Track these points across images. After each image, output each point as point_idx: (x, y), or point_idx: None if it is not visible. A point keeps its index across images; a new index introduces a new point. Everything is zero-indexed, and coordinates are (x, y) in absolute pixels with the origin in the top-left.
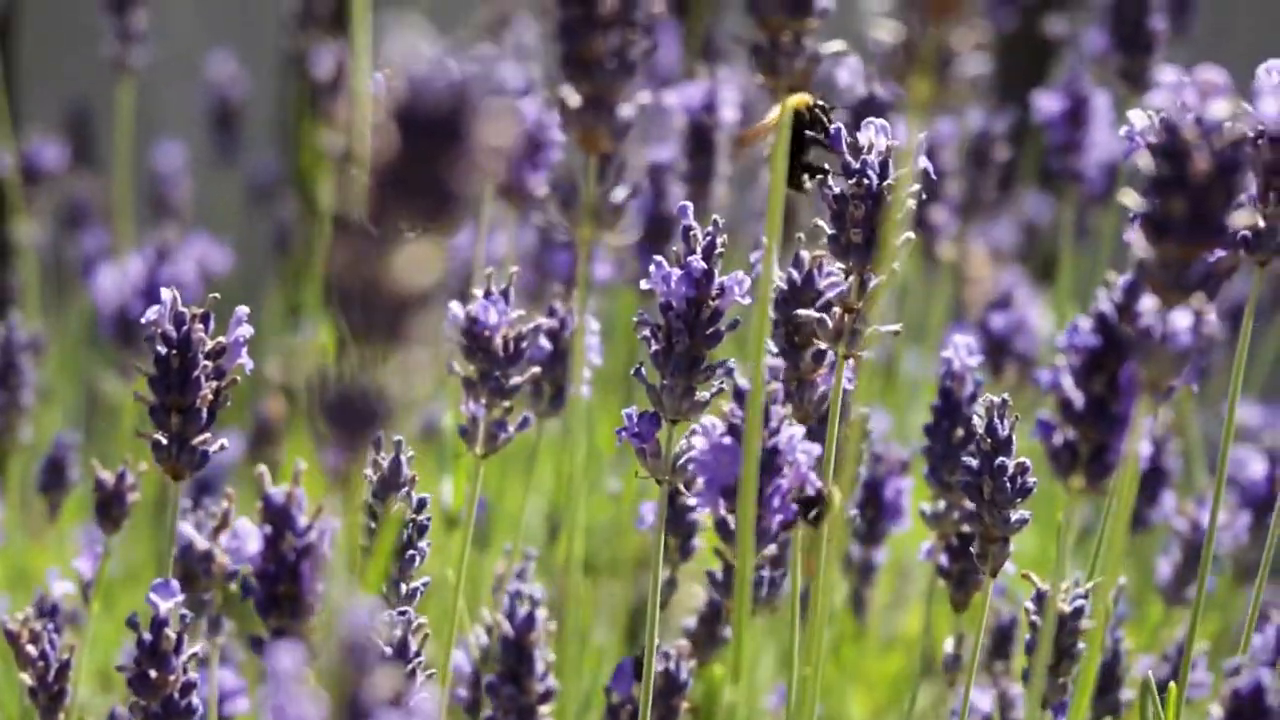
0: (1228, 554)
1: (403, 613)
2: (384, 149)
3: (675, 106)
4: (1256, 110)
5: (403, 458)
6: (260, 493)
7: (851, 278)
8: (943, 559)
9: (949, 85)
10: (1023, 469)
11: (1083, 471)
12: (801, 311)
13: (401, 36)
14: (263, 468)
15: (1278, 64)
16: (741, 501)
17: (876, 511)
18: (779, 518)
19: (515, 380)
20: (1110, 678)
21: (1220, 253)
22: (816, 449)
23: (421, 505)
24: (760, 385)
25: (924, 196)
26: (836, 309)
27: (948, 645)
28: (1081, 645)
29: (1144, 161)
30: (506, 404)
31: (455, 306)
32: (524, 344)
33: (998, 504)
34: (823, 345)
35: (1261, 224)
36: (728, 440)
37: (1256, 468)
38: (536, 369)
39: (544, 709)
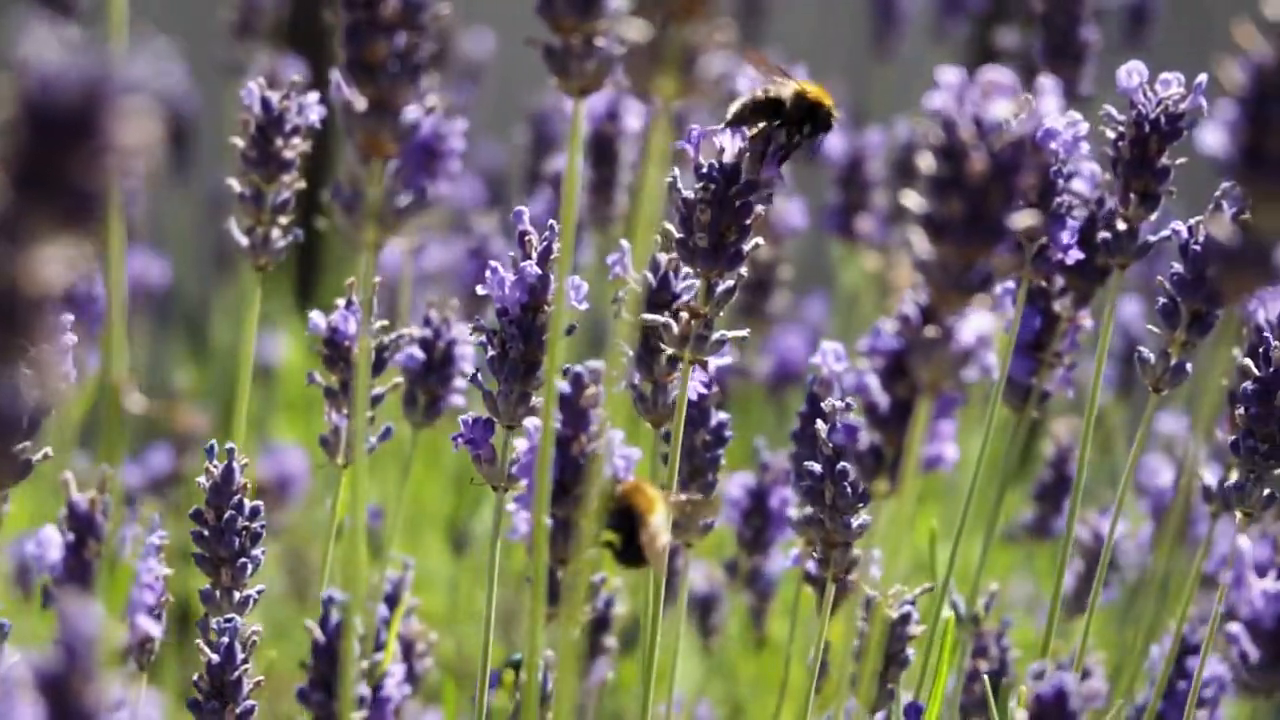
0: (1131, 564)
1: (229, 620)
2: (14, 148)
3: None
4: (1037, 110)
5: (235, 465)
6: (65, 499)
7: (699, 282)
8: (810, 566)
9: (694, 84)
10: None
11: (888, 475)
12: (646, 315)
13: (36, 33)
14: (67, 475)
15: (1139, 65)
16: (535, 504)
17: (763, 520)
18: (595, 527)
19: (377, 390)
20: (994, 687)
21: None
22: (636, 453)
23: (254, 513)
24: (553, 391)
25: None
26: (684, 313)
27: (810, 654)
28: (911, 652)
29: (924, 162)
30: (368, 413)
31: (317, 316)
32: (385, 354)
33: (839, 509)
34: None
35: (1122, 226)
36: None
37: (1166, 477)
38: (399, 379)
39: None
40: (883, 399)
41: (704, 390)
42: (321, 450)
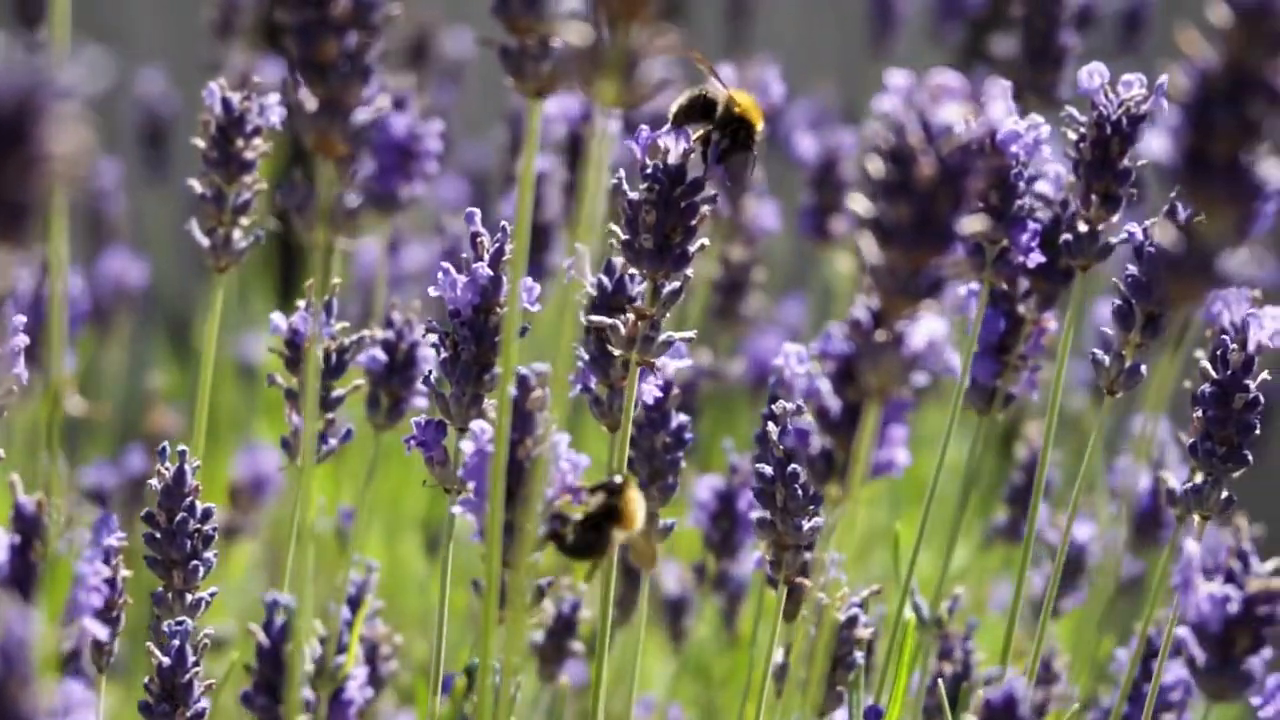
0: (1105, 567)
1: (180, 623)
2: None
3: (555, 117)
4: (986, 115)
5: (187, 468)
6: (12, 501)
7: (645, 284)
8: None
9: (636, 88)
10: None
11: (839, 479)
12: (594, 317)
13: None
14: (14, 476)
15: (1100, 66)
16: (490, 506)
17: (731, 523)
18: (542, 527)
19: (337, 392)
20: (957, 689)
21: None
22: (583, 460)
23: (206, 515)
24: (507, 395)
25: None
26: (630, 315)
27: (777, 655)
28: (859, 655)
29: (873, 166)
30: (329, 416)
31: (277, 318)
32: (346, 356)
33: (790, 511)
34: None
35: (1084, 228)
36: (493, 447)
37: (1141, 481)
38: (360, 381)
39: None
40: (834, 403)
41: (659, 393)
42: (284, 452)
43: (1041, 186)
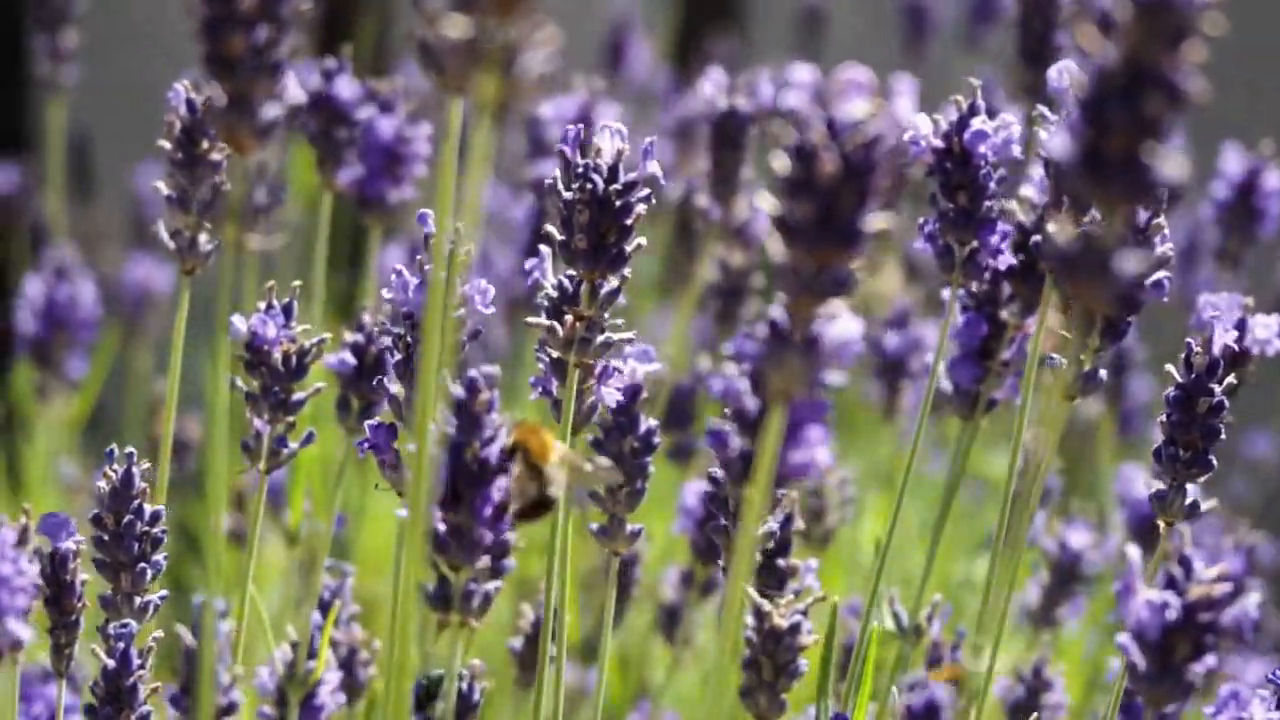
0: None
1: (124, 625)
2: None
3: (550, 119)
4: (891, 112)
5: (135, 470)
6: None
7: (582, 284)
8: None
9: (515, 84)
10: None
11: (759, 482)
12: (530, 319)
13: None
14: None
15: (1070, 64)
16: (411, 513)
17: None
18: (488, 531)
19: (297, 396)
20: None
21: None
22: None
23: (155, 518)
24: (430, 395)
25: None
26: (569, 316)
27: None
28: (804, 662)
29: (778, 163)
30: (290, 419)
31: (237, 320)
32: (306, 359)
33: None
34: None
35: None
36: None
37: (1141, 486)
38: (321, 385)
39: None
40: (752, 403)
41: (621, 397)
42: (244, 455)
43: (1025, 190)
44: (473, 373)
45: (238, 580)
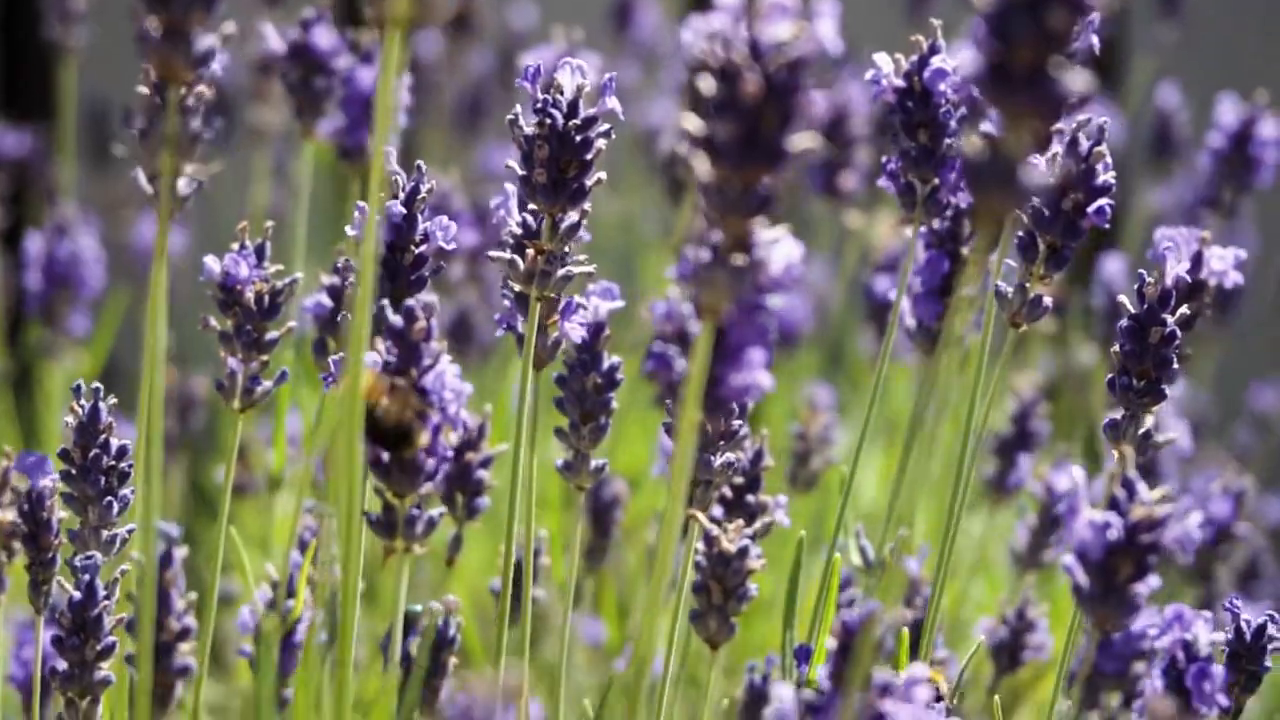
0: None
1: (89, 557)
2: None
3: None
4: (813, 32)
5: (102, 406)
6: None
7: (543, 218)
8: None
9: (426, 4)
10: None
11: (702, 404)
12: (492, 253)
13: None
14: None
15: None
16: (342, 439)
17: None
18: (431, 458)
19: (270, 335)
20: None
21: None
22: (467, 388)
23: (121, 453)
24: (363, 325)
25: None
26: (529, 250)
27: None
28: (753, 586)
29: (703, 84)
30: (263, 358)
31: (210, 261)
32: (279, 299)
33: (701, 446)
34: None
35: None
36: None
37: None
38: (293, 324)
39: (182, 646)
40: (695, 326)
41: (585, 334)
42: (219, 393)
43: (987, 127)
44: (410, 302)
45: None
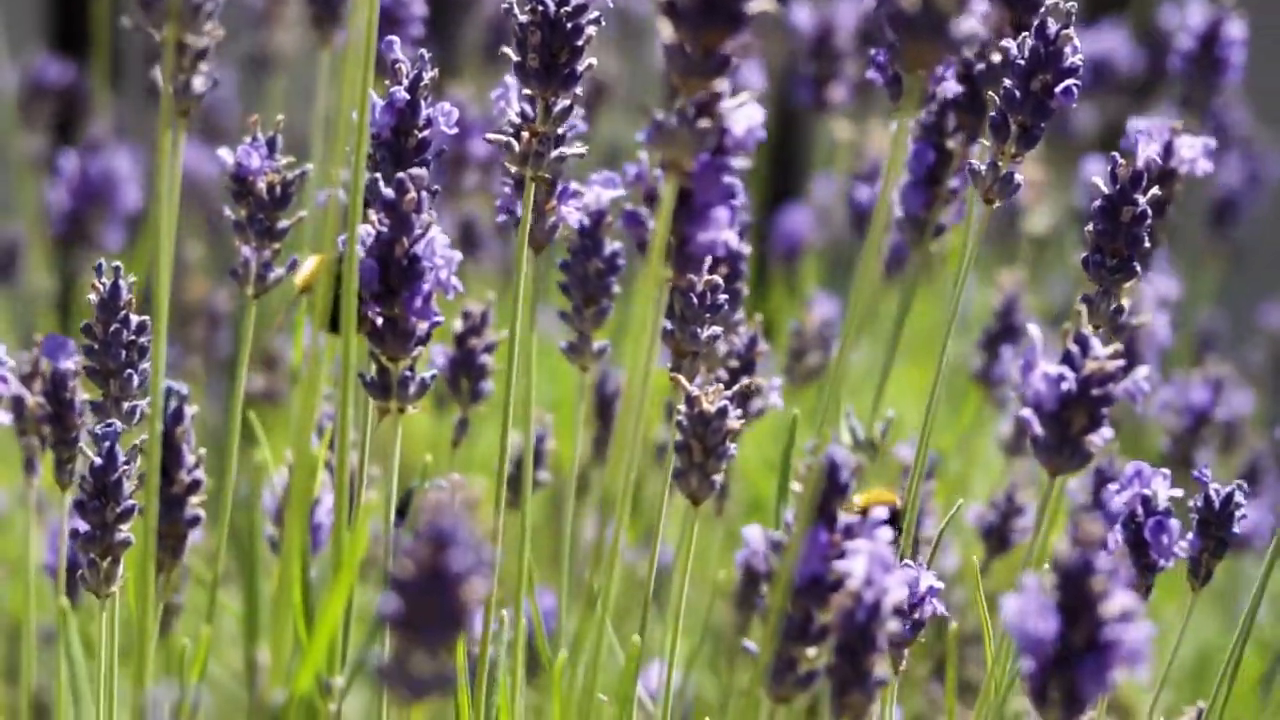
0: None
1: (109, 424)
2: None
3: None
4: None
5: (122, 283)
6: None
7: (537, 102)
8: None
9: None
10: (713, 287)
11: (672, 262)
12: (490, 135)
13: None
14: None
15: None
16: (319, 298)
17: None
18: (422, 321)
19: (282, 224)
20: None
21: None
22: (457, 255)
23: (141, 329)
24: (358, 197)
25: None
26: (524, 133)
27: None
28: (732, 446)
29: None
30: (275, 246)
31: (224, 153)
32: (290, 189)
33: (686, 319)
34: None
35: (997, 58)
36: (368, 247)
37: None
38: (304, 213)
39: (192, 499)
40: (663, 187)
41: (584, 218)
42: (233, 280)
43: (968, 24)
44: (400, 175)
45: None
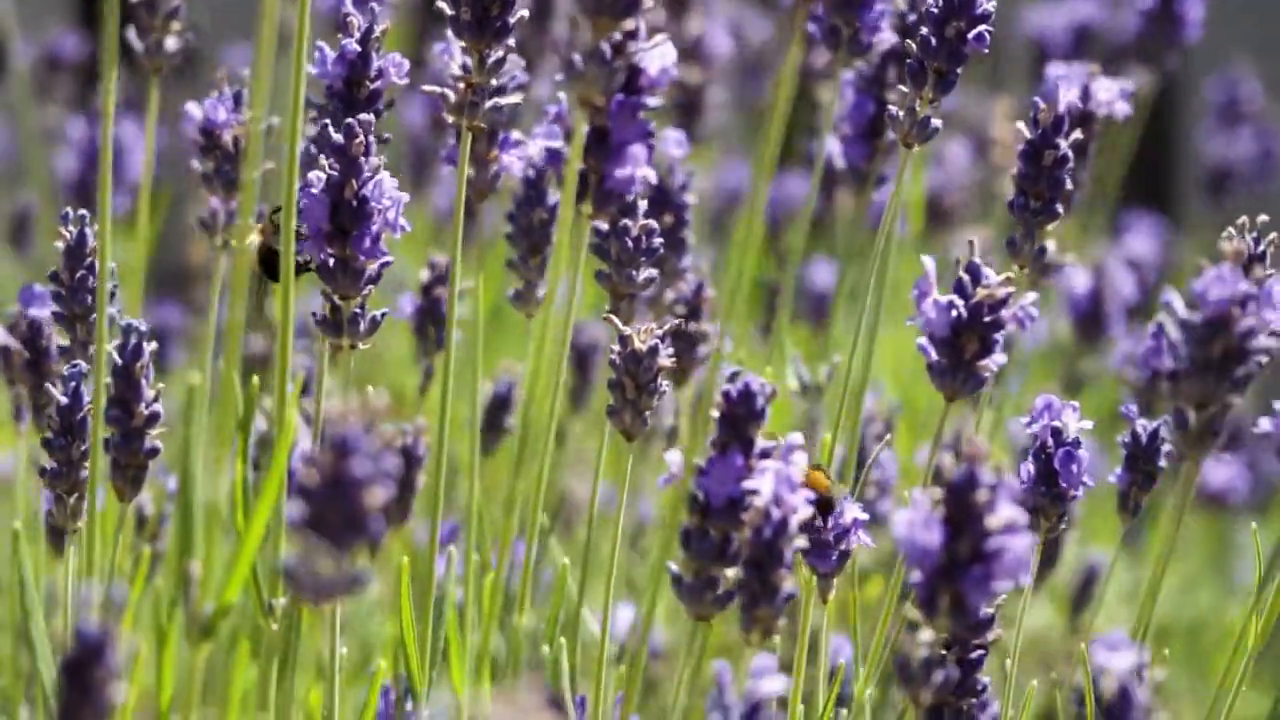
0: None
1: (74, 365)
2: None
3: None
4: None
5: (87, 231)
6: None
7: (471, 54)
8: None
9: None
10: (648, 231)
11: (590, 199)
12: (426, 87)
13: None
14: None
15: None
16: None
17: None
18: (371, 261)
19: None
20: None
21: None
22: (404, 196)
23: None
24: (296, 138)
25: None
26: (460, 83)
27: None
28: (664, 384)
29: None
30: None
31: (192, 107)
32: (267, 140)
33: (622, 262)
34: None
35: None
36: (318, 190)
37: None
38: (271, 164)
39: (151, 431)
40: (583, 126)
41: (531, 172)
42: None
43: None
44: (350, 120)
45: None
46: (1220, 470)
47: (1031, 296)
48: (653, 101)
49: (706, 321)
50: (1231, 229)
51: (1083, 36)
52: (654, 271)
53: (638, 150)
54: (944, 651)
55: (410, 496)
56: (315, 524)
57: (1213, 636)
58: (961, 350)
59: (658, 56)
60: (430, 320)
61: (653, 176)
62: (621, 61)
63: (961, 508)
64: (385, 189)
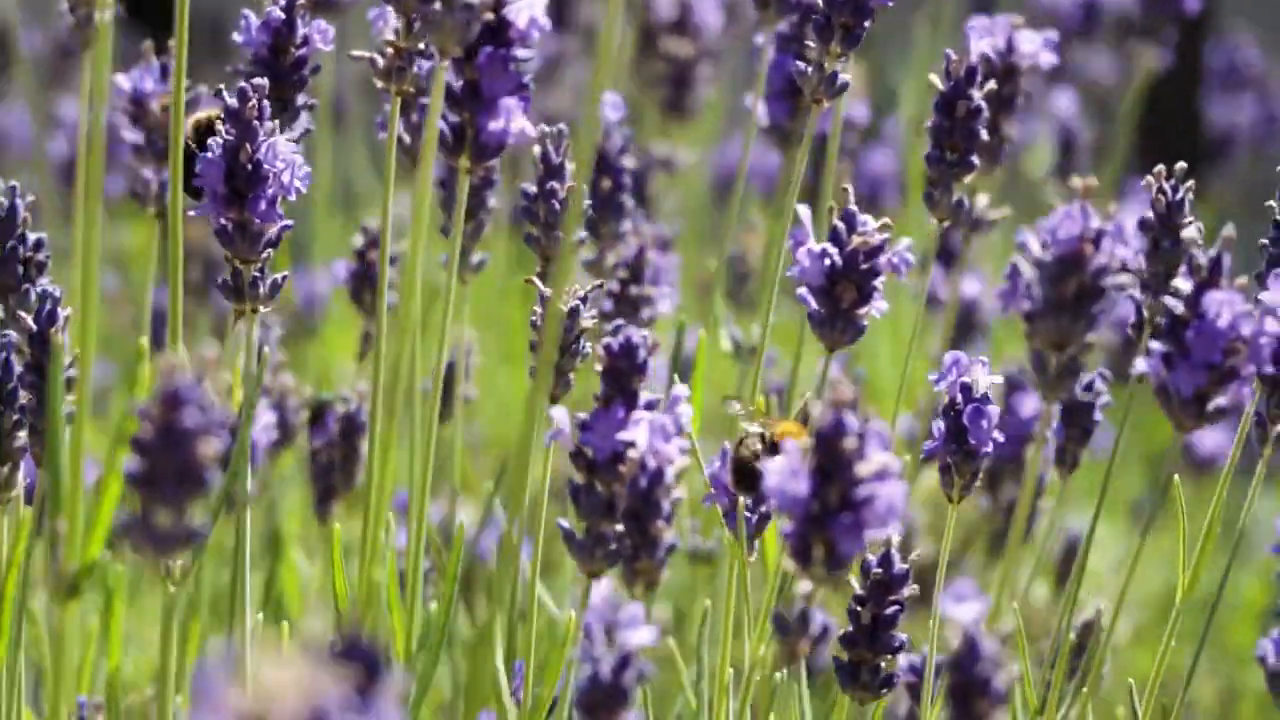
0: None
1: (4, 335)
2: None
3: None
4: None
5: (19, 202)
6: None
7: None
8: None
9: None
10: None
11: (467, 152)
12: (354, 53)
13: None
14: None
15: None
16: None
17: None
18: (269, 224)
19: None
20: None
21: None
22: (299, 160)
23: (38, 245)
24: (179, 96)
25: None
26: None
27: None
28: (587, 345)
29: None
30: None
31: (121, 79)
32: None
33: (550, 225)
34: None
35: None
36: (215, 155)
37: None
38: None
39: (69, 397)
40: (456, 81)
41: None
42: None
43: None
44: (243, 84)
45: None
46: (1209, 436)
47: (906, 242)
48: (523, 54)
49: (649, 285)
50: (1149, 177)
51: (1092, 11)
52: (583, 234)
53: (511, 103)
54: (859, 607)
55: (354, 467)
56: (150, 477)
57: (1226, 608)
58: (838, 299)
59: (526, 8)
60: (365, 285)
61: (531, 130)
62: (482, 13)
63: (830, 455)
64: (280, 152)
